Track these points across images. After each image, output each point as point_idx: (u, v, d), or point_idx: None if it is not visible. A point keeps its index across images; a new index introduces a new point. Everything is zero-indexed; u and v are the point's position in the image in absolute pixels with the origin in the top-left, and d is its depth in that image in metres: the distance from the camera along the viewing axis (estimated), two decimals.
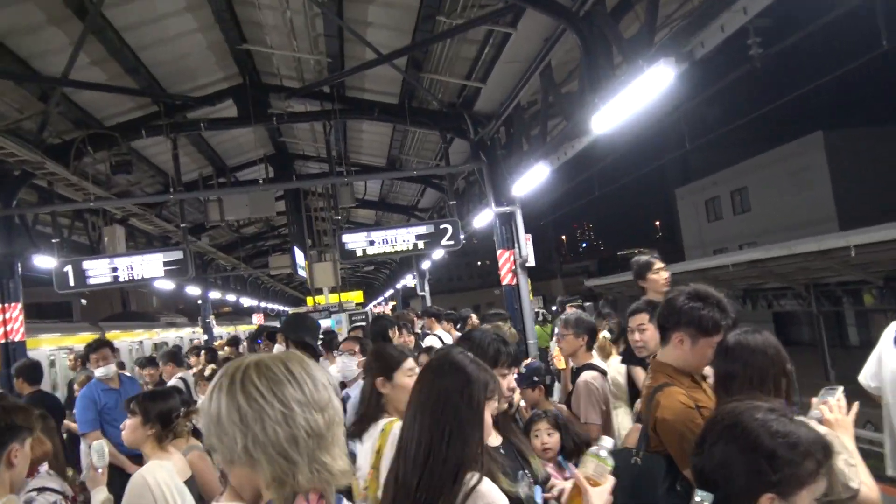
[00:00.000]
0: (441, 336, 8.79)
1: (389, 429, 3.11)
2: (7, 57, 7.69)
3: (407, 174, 12.66)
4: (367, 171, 14.88)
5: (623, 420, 5.12)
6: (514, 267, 10.63)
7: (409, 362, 3.39)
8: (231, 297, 28.55)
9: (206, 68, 10.00)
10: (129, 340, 21.19)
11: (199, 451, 3.83)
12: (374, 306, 43.63)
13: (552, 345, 7.25)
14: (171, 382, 7.80)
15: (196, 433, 3.96)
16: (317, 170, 15.55)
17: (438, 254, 19.20)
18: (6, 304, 9.74)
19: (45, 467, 3.40)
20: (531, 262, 10.59)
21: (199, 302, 23.01)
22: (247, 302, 32.04)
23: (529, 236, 10.64)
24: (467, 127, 10.54)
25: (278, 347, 3.97)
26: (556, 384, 5.90)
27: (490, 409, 2.15)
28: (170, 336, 24.63)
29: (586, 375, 4.88)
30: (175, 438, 3.63)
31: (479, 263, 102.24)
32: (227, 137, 13.42)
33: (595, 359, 5.19)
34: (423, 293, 23.63)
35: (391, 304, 46.63)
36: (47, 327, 19.83)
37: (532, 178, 9.12)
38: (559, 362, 5.45)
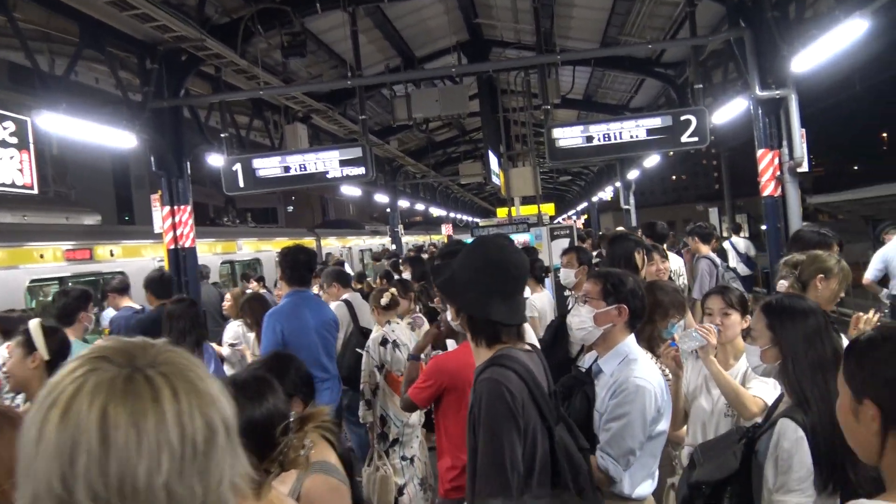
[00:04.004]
0: (713, 259, 6.72)
1: None
2: None
3: (638, 46, 10.07)
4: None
5: None
6: (779, 172, 7.96)
7: None
8: (420, 207, 27.62)
9: None
10: (340, 246, 21.46)
11: (325, 475, 2.02)
12: (565, 220, 41.34)
13: None
14: (335, 306, 6.28)
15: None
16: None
17: (651, 160, 16.55)
18: (175, 207, 8.75)
19: None
20: (805, 167, 7.88)
21: (388, 210, 22.11)
22: (436, 212, 31.09)
23: (804, 132, 7.87)
24: None
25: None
26: None
27: None
28: (374, 243, 24.45)
29: None
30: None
31: (673, 178, 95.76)
32: (416, 20, 11.59)
33: None
34: (627, 206, 20.99)
35: (583, 217, 44.15)
36: (268, 232, 20.16)
37: (835, 41, 6.33)
38: None
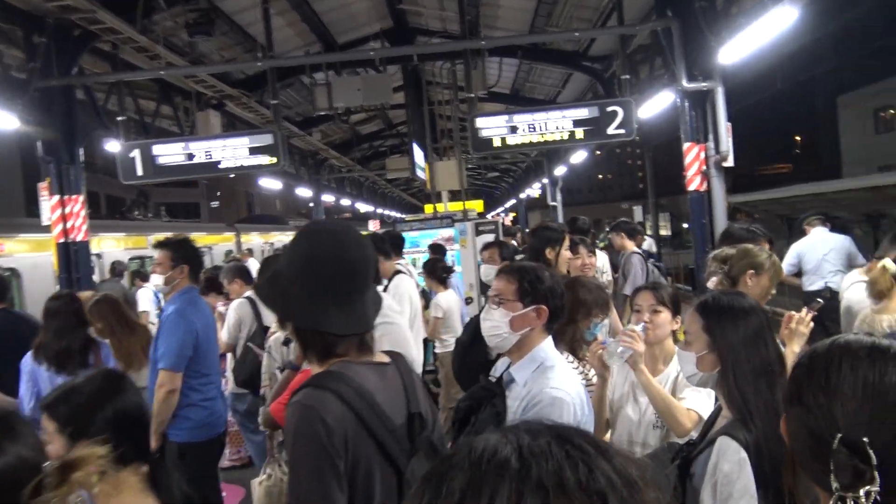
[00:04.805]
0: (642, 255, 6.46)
1: None
2: None
3: (566, 34, 9.85)
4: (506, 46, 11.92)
5: None
6: (704, 166, 7.82)
7: None
8: (346, 202, 26.99)
9: None
10: (263, 242, 21.30)
11: None
12: (494, 216, 41.27)
13: None
14: (233, 307, 5.77)
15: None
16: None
17: (578, 156, 16.46)
18: (65, 197, 7.97)
19: None
20: (730, 162, 7.75)
21: (311, 205, 21.47)
22: (363, 208, 30.51)
23: (730, 126, 7.74)
24: None
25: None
26: None
27: None
28: None
29: None
30: None
31: (599, 177, 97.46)
32: (338, 4, 11.06)
33: None
34: (554, 203, 20.92)
35: (511, 215, 44.29)
36: (184, 227, 19.20)
37: (763, 31, 6.16)
38: None
